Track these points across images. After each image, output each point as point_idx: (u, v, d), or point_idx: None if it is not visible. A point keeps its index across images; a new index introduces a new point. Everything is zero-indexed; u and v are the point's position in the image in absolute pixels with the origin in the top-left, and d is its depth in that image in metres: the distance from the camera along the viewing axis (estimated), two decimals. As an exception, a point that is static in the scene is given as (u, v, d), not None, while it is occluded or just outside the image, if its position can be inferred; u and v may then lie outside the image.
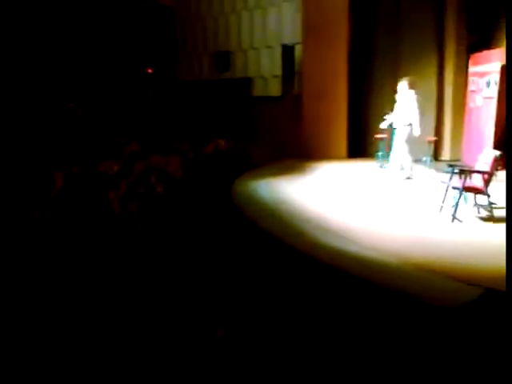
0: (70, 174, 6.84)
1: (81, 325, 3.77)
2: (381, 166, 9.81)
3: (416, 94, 8.74)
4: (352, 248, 5.20)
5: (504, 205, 6.56)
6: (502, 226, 5.88)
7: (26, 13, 13.34)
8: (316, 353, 3.51)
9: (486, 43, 10.04)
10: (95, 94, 14.66)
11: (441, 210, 6.50)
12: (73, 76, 14.26)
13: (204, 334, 3.51)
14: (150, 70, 16.07)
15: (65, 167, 7.01)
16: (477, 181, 6.29)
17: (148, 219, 6.06)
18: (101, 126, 13.62)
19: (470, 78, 9.65)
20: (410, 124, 8.62)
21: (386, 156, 9.84)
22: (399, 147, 8.78)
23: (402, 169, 8.83)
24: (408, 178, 8.79)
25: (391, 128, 9.42)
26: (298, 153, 11.04)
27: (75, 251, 5.03)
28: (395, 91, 9.59)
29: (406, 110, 8.69)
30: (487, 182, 6.17)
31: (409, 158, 8.75)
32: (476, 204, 6.48)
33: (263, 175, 9.21)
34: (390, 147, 9.74)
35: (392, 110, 9.48)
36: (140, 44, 15.47)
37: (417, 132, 8.59)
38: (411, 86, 8.72)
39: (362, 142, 11.40)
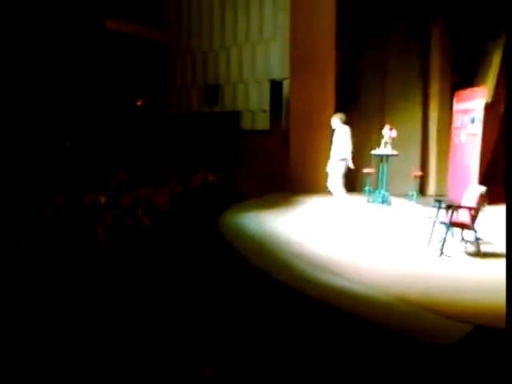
0: (56, 205, 6.78)
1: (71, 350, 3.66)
2: (368, 201, 9.86)
3: (350, 129, 8.58)
4: (341, 283, 5.16)
5: (490, 240, 6.66)
6: (490, 261, 5.92)
7: (21, 47, 13.46)
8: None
9: (469, 82, 10.32)
10: (86, 126, 14.71)
11: (428, 244, 6.52)
12: (63, 108, 14.31)
13: (192, 371, 3.42)
14: (139, 103, 16.21)
15: (51, 198, 6.95)
16: (463, 216, 6.34)
17: (134, 251, 5.98)
18: (90, 157, 13.61)
19: (455, 115, 9.85)
20: (344, 159, 8.47)
21: (373, 191, 9.93)
22: (334, 182, 8.61)
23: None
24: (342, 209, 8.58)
25: (381, 162, 9.58)
26: (286, 186, 11.09)
27: (59, 282, 4.92)
28: (382, 127, 9.77)
29: (339, 145, 8.53)
30: (474, 218, 6.22)
31: (342, 192, 8.60)
32: (463, 239, 6.51)
33: (251, 208, 9.20)
34: (377, 182, 9.87)
35: (378, 146, 9.64)
36: (131, 77, 15.64)
37: (351, 165, 8.52)
38: (343, 121, 8.61)
39: (349, 177, 11.48)
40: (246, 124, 14.37)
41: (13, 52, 13.32)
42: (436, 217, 6.50)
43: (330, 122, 8.83)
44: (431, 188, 11.19)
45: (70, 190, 8.73)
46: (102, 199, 7.90)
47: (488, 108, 8.95)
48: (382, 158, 9.63)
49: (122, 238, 6.47)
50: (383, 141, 9.52)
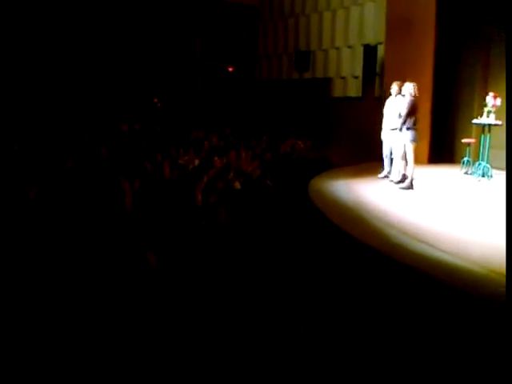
0: (155, 163, 7.10)
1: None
2: (465, 173, 9.38)
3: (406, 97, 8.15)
4: (435, 253, 5.03)
5: None
6: None
7: (106, 18, 14.12)
8: (398, 352, 3.43)
9: None
10: (182, 91, 15.23)
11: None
12: (160, 72, 14.87)
13: (287, 329, 3.52)
14: (230, 69, 16.41)
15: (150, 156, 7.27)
16: None
17: (228, 212, 6.14)
18: (184, 120, 14.09)
19: None
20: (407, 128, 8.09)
21: (472, 162, 9.41)
22: (396, 150, 8.38)
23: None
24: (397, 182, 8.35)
25: (482, 132, 9.02)
26: (377, 156, 10.80)
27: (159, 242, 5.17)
28: (485, 96, 9.17)
29: (397, 114, 8.29)
30: None
31: (401, 162, 8.28)
32: None
33: (341, 176, 9.11)
34: (477, 154, 9.32)
35: (481, 115, 9.08)
36: (224, 43, 15.86)
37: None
38: (400, 90, 8.41)
39: (446, 147, 10.98)
40: (338, 91, 14.08)
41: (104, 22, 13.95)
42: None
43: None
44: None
45: (163, 150, 9.10)
46: (196, 161, 8.17)
47: None
48: (484, 128, 9.05)
49: (214, 199, 6.67)
50: (486, 109, 8.93)
